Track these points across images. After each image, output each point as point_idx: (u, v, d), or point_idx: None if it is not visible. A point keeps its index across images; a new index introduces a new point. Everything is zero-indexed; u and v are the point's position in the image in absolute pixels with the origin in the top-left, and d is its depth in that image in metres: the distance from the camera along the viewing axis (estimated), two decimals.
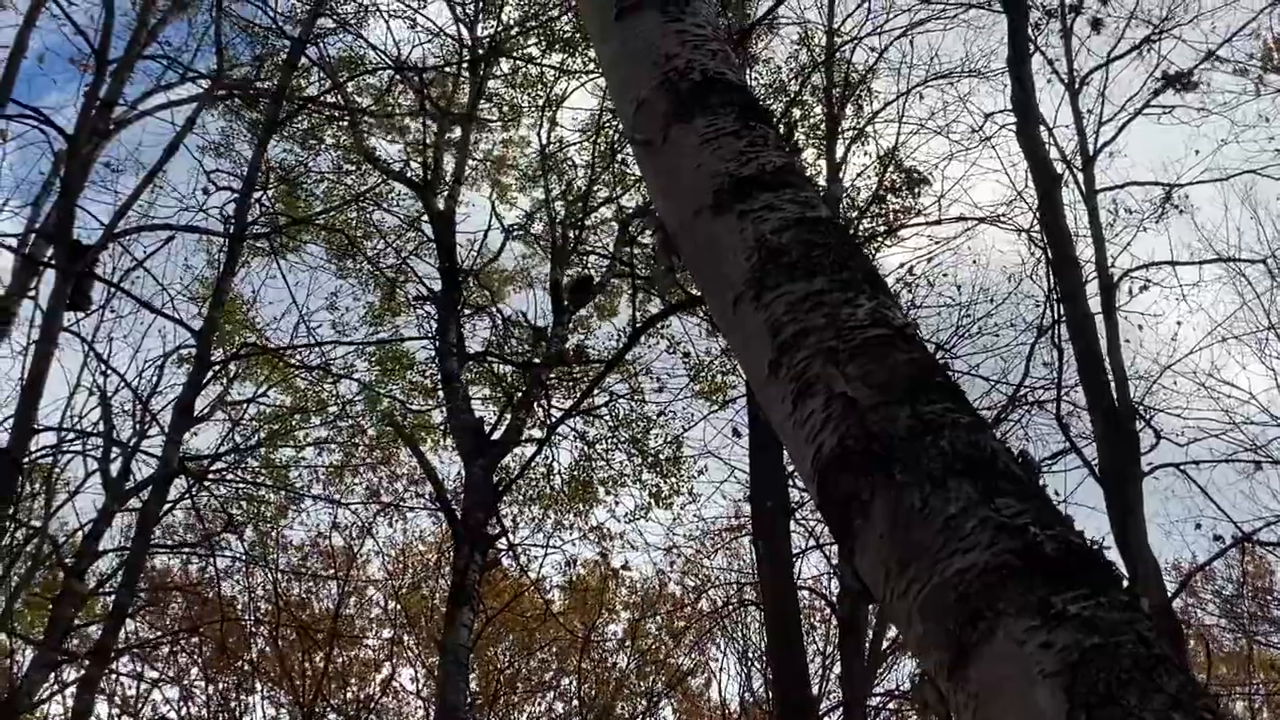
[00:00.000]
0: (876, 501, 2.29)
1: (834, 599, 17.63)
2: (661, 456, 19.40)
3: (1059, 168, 14.55)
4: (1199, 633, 19.15)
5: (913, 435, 2.33)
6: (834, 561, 17.67)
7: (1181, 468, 14.00)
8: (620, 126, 13.90)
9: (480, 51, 18.51)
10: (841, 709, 16.76)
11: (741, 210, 2.88)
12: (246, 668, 22.10)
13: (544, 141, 18.60)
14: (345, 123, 18.21)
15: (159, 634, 20.57)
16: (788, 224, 2.82)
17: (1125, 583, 2.10)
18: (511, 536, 16.71)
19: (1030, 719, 1.94)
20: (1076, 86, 15.84)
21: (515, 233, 19.16)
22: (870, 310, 2.61)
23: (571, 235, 18.04)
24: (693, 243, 3.03)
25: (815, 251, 2.74)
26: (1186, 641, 15.74)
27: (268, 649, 22.28)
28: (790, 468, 13.77)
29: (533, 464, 17.48)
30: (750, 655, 23.74)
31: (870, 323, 2.58)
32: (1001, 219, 17.83)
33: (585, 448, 19.23)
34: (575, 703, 24.96)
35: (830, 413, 2.45)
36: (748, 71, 16.77)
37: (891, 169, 18.26)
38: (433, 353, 17.32)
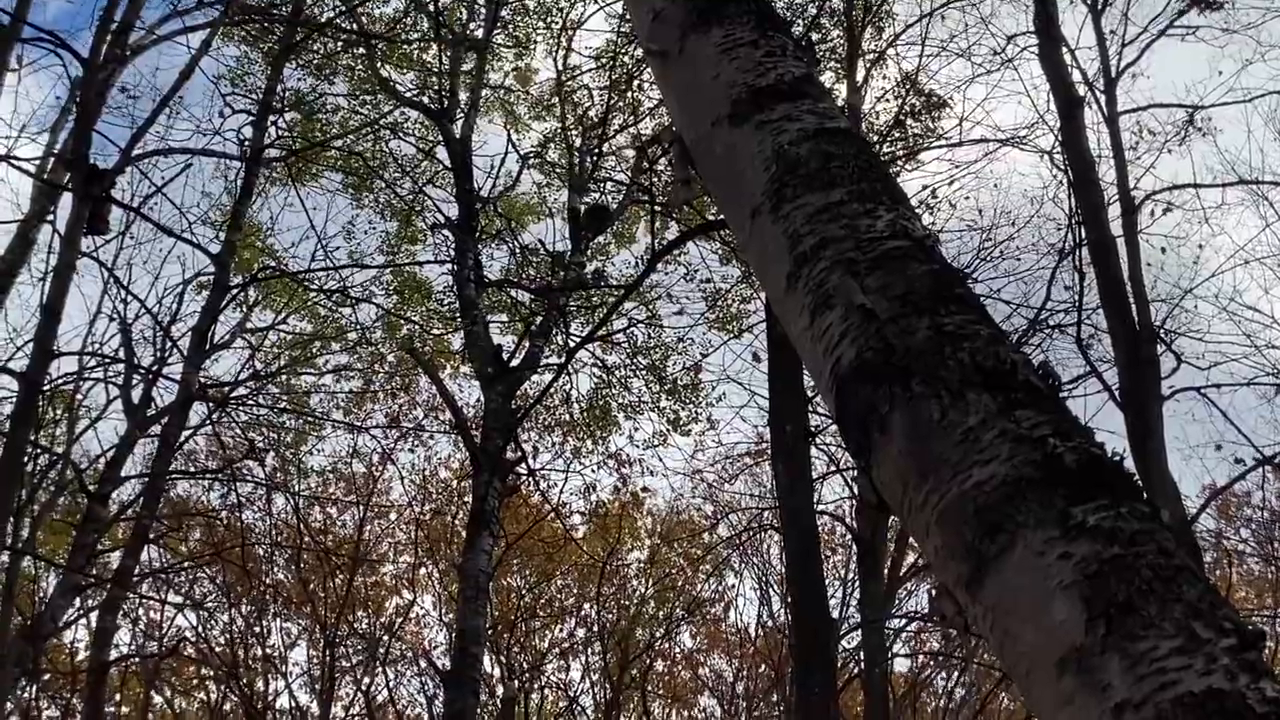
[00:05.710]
0: (895, 414, 2.26)
1: (853, 523, 17.69)
2: (680, 383, 19.43)
3: (1081, 90, 14.42)
4: (1226, 552, 19.16)
5: (931, 347, 2.30)
6: (854, 485, 17.72)
7: (1202, 391, 13.94)
8: (638, 53, 13.77)
9: None
10: (860, 630, 16.85)
11: (760, 121, 2.83)
12: (268, 592, 22.31)
13: (560, 68, 18.48)
14: (360, 50, 18.07)
15: (180, 559, 20.75)
16: (806, 135, 2.77)
17: (1145, 495, 2.08)
18: (531, 462, 16.74)
19: (1049, 629, 1.92)
20: (1099, 7, 15.62)
21: (532, 161, 19.08)
22: (890, 222, 2.57)
23: (589, 163, 17.95)
24: (710, 155, 2.98)
25: (834, 162, 2.70)
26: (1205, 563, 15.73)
27: (288, 574, 22.49)
28: (810, 391, 13.76)
29: (551, 390, 17.49)
30: (769, 580, 23.91)
31: (890, 234, 2.54)
32: (1023, 141, 17.74)
33: (603, 374, 19.27)
34: (595, 628, 25.16)
35: (848, 325, 2.42)
36: None
37: (911, 93, 18.12)
38: (451, 280, 17.30)
